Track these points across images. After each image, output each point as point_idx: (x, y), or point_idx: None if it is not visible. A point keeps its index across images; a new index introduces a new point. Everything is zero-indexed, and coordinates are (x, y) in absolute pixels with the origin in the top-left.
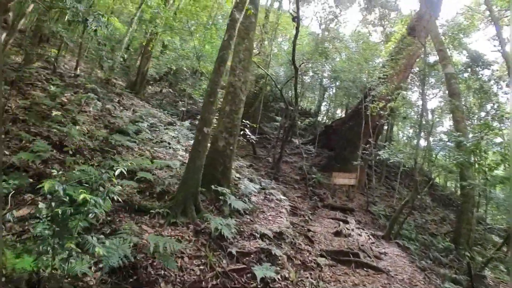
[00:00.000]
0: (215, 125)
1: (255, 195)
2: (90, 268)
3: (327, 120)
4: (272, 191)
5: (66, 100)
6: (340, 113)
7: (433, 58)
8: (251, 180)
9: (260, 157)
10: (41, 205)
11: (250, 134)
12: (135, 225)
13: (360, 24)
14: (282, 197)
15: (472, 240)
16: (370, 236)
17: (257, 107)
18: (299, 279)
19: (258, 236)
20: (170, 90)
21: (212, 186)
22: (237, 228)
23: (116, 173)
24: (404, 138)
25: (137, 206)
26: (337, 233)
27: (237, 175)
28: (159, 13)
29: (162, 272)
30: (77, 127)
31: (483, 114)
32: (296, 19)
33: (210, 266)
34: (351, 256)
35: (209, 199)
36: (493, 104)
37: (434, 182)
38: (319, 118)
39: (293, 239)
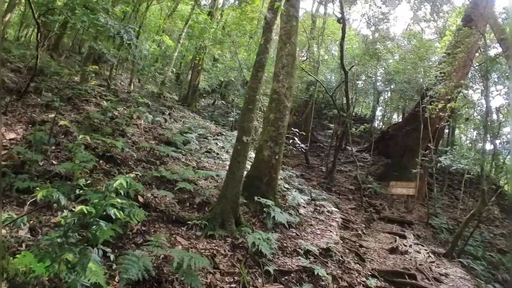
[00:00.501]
0: (259, 134)
1: (304, 207)
2: (107, 280)
3: (383, 126)
4: (323, 203)
5: (117, 114)
6: (396, 118)
7: (494, 51)
8: (300, 191)
9: (312, 166)
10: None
11: (300, 143)
12: (166, 237)
13: (411, 22)
14: (334, 209)
15: None
16: (430, 254)
17: (308, 115)
18: None
19: (302, 252)
20: (222, 102)
21: (256, 198)
22: (279, 243)
23: (115, 185)
24: (468, 142)
25: (174, 216)
26: (393, 250)
27: (286, 185)
28: (206, 27)
29: None
30: (124, 138)
31: None
32: (342, 20)
33: (242, 285)
34: (407, 277)
35: (252, 211)
36: None
37: (503, 190)
38: (375, 124)
39: (342, 257)
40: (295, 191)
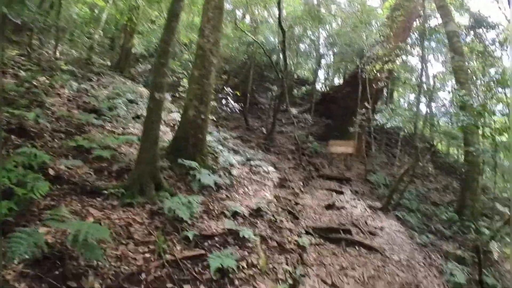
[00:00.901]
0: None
1: (238, 168)
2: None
3: (325, 89)
4: (259, 163)
5: (36, 84)
6: (338, 81)
7: (435, 21)
8: (235, 152)
9: (253, 128)
10: None
11: (233, 103)
12: (78, 209)
13: None
14: (271, 168)
15: (477, 211)
16: (367, 208)
17: (247, 76)
18: (271, 265)
19: (230, 214)
20: None
21: (180, 160)
22: (205, 207)
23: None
24: (406, 104)
25: (89, 187)
26: (329, 206)
27: (220, 147)
28: None
29: (95, 262)
30: (42, 109)
31: (486, 79)
32: None
33: (158, 253)
34: (342, 233)
35: (178, 174)
36: (498, 68)
37: (437, 149)
38: (318, 87)
39: (274, 216)
40: (228, 152)
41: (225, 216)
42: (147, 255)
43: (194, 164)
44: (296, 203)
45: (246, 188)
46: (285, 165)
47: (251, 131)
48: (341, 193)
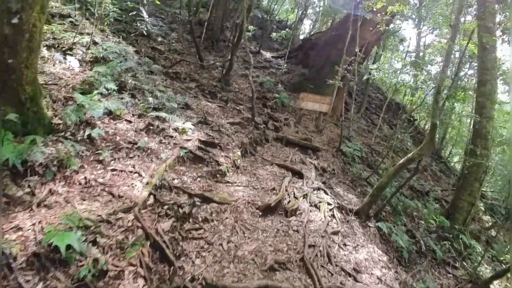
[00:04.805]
0: None
1: (118, 123)
2: None
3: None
4: (170, 116)
5: None
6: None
7: None
8: (133, 96)
9: (208, 67)
10: None
11: (147, 16)
12: None
13: None
14: (189, 125)
15: (471, 217)
16: (335, 214)
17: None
18: None
19: None
20: None
21: None
22: None
23: None
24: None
25: None
26: (270, 209)
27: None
28: None
29: None
30: None
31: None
32: None
33: None
34: None
35: None
36: None
37: (419, 126)
38: (301, 36)
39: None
40: (115, 97)
41: None
42: None
43: None
44: (194, 204)
45: (109, 166)
46: (228, 118)
47: (206, 69)
48: (300, 175)
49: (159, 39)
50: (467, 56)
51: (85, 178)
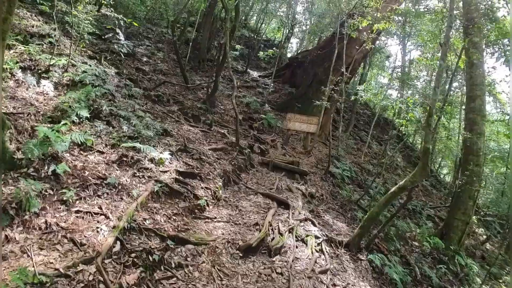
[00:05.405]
0: None
1: (87, 157)
2: None
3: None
4: (147, 147)
5: None
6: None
7: None
8: (108, 123)
9: (193, 87)
10: None
11: (123, 38)
12: None
13: None
14: (167, 155)
15: (465, 236)
16: (324, 248)
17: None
18: None
19: None
20: None
21: None
22: None
23: None
24: (378, 86)
25: None
26: (252, 249)
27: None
28: None
29: None
30: None
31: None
32: None
33: None
34: None
35: None
36: None
37: (408, 141)
38: (288, 54)
39: None
40: (87, 125)
41: None
42: None
43: None
44: (167, 248)
45: (65, 213)
46: (210, 144)
47: (191, 90)
48: (286, 206)
49: (144, 59)
50: (454, 73)
51: (46, 222)
